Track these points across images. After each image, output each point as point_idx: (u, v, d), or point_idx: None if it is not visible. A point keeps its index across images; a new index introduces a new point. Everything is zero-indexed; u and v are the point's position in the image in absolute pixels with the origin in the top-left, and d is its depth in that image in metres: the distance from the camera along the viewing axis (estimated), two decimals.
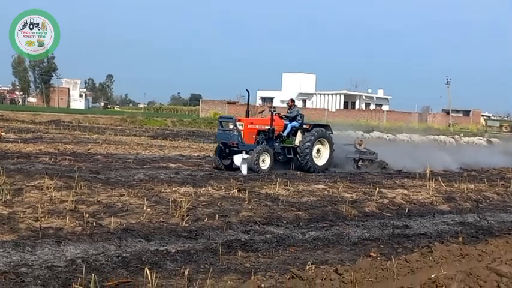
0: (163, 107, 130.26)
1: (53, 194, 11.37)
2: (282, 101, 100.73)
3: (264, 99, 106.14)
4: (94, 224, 9.13)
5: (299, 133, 20.21)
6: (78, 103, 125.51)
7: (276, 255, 8.34)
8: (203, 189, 13.53)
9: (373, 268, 6.72)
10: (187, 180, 15.09)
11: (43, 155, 19.86)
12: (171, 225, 9.51)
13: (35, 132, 34.23)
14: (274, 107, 20.55)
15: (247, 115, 20.23)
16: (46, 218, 9.25)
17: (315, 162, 19.89)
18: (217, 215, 10.39)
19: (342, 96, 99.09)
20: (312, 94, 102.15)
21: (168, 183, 14.24)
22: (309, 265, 6.99)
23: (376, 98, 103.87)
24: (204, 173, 17.18)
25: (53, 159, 18.25)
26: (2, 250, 7.24)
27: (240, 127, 19.01)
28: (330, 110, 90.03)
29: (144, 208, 10.61)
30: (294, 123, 20.32)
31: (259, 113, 23.67)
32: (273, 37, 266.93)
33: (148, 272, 6.20)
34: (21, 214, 9.44)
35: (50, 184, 12.28)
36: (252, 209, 11.48)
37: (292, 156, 19.98)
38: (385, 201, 13.48)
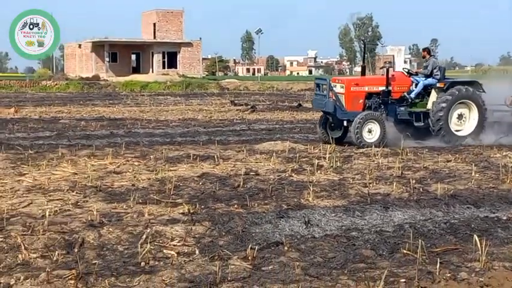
0: (492, 68, 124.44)
1: (380, 161, 11.68)
2: None
3: None
4: (421, 190, 9.14)
5: (433, 93, 15.26)
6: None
7: None
8: None
9: None
10: None
11: None
12: (502, 192, 9.09)
13: None
14: (390, 62, 15.34)
15: (363, 73, 16.32)
16: (374, 184, 9.53)
17: (453, 131, 15.08)
18: None
19: None
20: None
21: (498, 147, 13.67)
22: None
23: None
24: None
25: None
26: (334, 214, 7.63)
27: (340, 90, 14.84)
28: None
29: (472, 174, 10.33)
30: (429, 81, 15.37)
31: (381, 68, 19.69)
32: None
33: (477, 239, 6.03)
34: (351, 180, 9.86)
35: (377, 151, 12.58)
36: None
37: (422, 124, 15.15)
38: None
